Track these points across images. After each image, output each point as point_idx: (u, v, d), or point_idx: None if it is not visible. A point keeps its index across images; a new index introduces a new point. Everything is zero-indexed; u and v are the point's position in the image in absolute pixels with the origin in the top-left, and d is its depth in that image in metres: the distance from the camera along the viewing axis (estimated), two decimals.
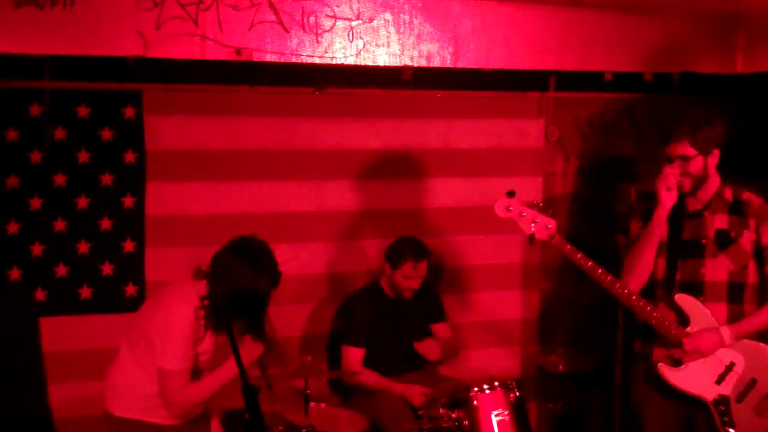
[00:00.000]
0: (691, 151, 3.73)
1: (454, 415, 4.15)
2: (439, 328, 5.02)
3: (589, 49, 5.26)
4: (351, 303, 4.91)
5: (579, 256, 3.77)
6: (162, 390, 3.46)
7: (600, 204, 5.54)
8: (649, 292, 3.91)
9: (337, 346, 4.89)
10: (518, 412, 4.18)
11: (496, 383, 4.20)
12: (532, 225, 3.71)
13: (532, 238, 3.71)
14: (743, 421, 3.74)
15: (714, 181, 3.84)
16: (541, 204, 3.79)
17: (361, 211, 5.21)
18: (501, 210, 3.74)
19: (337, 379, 4.95)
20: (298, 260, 5.08)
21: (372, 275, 5.12)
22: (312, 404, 4.17)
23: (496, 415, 4.13)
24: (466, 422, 4.12)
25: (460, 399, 4.22)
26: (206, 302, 3.45)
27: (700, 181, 3.79)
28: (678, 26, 5.38)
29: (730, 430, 3.72)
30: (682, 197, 3.84)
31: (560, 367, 4.88)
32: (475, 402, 4.13)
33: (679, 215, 3.86)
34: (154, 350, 3.44)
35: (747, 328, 3.78)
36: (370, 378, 4.73)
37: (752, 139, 5.10)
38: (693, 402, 3.81)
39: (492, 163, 5.40)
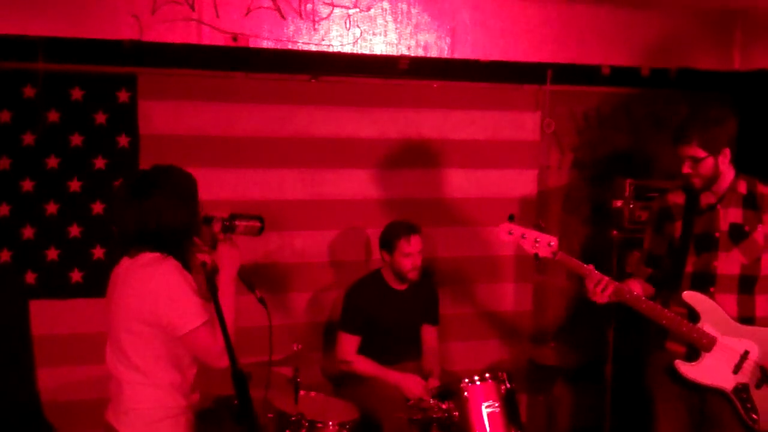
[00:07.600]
0: (700, 152, 3.71)
1: (444, 406, 4.14)
2: (428, 332, 4.94)
3: (587, 43, 5.23)
4: (351, 291, 4.88)
5: (585, 267, 3.79)
6: (201, 351, 3.14)
7: (594, 198, 5.55)
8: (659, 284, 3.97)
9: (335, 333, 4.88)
10: (509, 404, 4.17)
11: (487, 375, 4.19)
12: (535, 244, 3.77)
13: (536, 257, 3.79)
14: (765, 406, 3.76)
15: (728, 176, 3.81)
16: (541, 224, 3.90)
17: (356, 200, 5.18)
18: (503, 234, 3.81)
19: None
20: (291, 248, 5.07)
21: (370, 264, 5.10)
22: (302, 392, 4.16)
23: (486, 407, 4.12)
24: (456, 413, 4.11)
25: (450, 390, 4.20)
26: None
27: (711, 180, 3.77)
28: (676, 21, 5.36)
29: (754, 415, 3.74)
30: (696, 193, 3.84)
31: (551, 360, 4.87)
32: (465, 393, 4.12)
33: (690, 211, 3.85)
34: (168, 325, 3.10)
35: None
36: (365, 366, 4.71)
37: (748, 136, 5.08)
38: (707, 391, 3.81)
39: (487, 154, 5.39)
